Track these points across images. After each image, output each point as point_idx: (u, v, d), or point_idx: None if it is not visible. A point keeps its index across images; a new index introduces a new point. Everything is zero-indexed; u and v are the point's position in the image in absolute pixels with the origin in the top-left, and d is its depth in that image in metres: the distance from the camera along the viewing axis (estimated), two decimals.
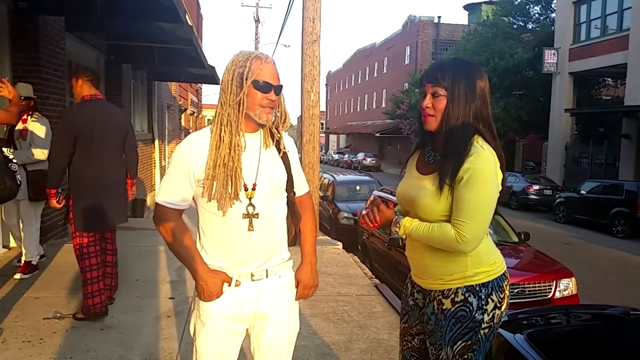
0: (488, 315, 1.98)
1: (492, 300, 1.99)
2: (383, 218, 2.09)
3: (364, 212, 2.17)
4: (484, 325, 1.98)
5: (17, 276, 4.91)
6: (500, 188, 1.96)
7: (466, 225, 1.87)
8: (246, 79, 1.82)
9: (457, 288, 1.99)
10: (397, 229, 2.04)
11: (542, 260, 6.00)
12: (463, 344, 1.97)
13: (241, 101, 1.84)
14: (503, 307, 2.02)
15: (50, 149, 4.01)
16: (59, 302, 4.37)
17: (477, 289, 1.98)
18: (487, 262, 2.02)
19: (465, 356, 1.99)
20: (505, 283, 2.05)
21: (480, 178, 1.88)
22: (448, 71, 1.98)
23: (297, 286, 2.09)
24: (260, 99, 1.85)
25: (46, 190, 3.98)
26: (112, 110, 4.24)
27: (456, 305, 1.98)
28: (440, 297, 2.02)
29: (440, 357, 2.02)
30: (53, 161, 3.93)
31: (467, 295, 1.97)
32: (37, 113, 4.90)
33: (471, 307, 1.97)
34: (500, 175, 1.96)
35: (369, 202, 8.41)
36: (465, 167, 1.88)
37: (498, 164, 1.95)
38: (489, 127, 2.00)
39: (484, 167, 1.89)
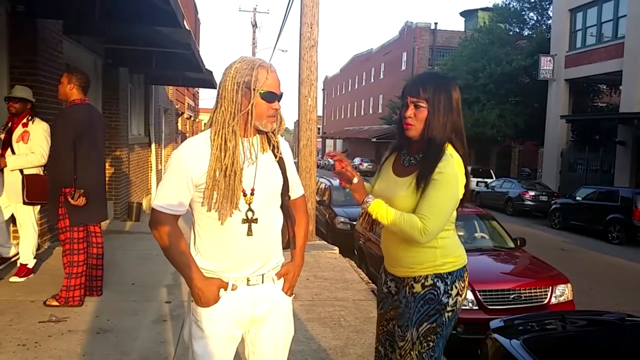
0: (452, 299, 2.23)
1: (456, 287, 2.24)
2: (358, 187, 2.26)
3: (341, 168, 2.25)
4: (448, 309, 2.21)
5: (13, 279, 4.90)
6: (463, 191, 2.21)
7: (430, 220, 2.10)
8: (254, 90, 1.83)
9: (427, 275, 2.23)
10: (366, 207, 2.21)
11: (538, 266, 6.00)
12: (428, 326, 2.19)
13: (249, 112, 1.85)
14: (463, 295, 2.29)
15: (59, 151, 4.21)
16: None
17: (444, 276, 2.23)
18: (452, 255, 2.27)
19: (429, 338, 2.20)
20: (466, 275, 2.31)
21: (446, 182, 2.12)
22: (429, 85, 2.20)
23: (280, 276, 2.05)
24: (266, 109, 1.87)
25: (62, 189, 4.17)
26: (99, 113, 4.73)
27: (425, 289, 2.22)
28: (412, 282, 2.26)
29: (406, 338, 2.22)
30: (63, 162, 4.15)
31: (435, 280, 2.22)
32: (36, 117, 4.85)
33: (439, 291, 2.21)
34: (463, 181, 2.20)
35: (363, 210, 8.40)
36: (436, 171, 2.11)
37: (463, 169, 2.20)
38: (460, 136, 2.25)
39: (451, 172, 2.13)
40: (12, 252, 5.09)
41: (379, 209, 2.18)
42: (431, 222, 2.09)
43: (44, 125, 4.81)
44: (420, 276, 2.23)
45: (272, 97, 1.87)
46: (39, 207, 5.04)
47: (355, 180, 2.24)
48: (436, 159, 2.13)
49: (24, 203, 4.77)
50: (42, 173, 4.83)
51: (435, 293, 2.20)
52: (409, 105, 2.21)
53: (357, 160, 39.07)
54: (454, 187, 2.14)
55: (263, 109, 1.86)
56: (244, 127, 1.88)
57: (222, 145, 1.84)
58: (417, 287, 2.23)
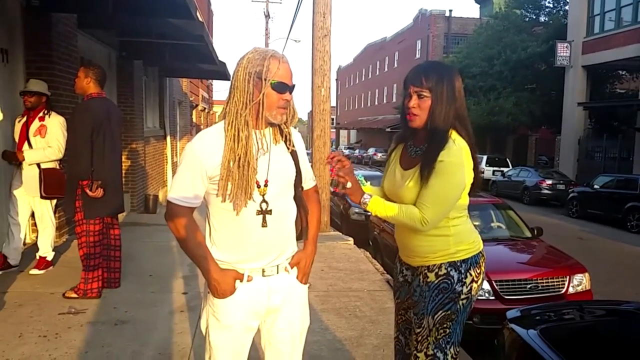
0: (466, 287, 2.22)
1: (470, 275, 2.23)
2: (354, 191, 2.24)
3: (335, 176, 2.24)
4: (462, 297, 2.22)
5: (33, 272, 4.98)
6: (472, 175, 2.19)
7: (428, 209, 2.12)
8: (265, 80, 1.83)
9: (441, 263, 2.23)
10: (365, 207, 2.23)
11: (555, 256, 5.95)
12: (443, 314, 2.20)
13: (260, 102, 1.84)
14: (479, 281, 2.27)
15: (77, 144, 4.24)
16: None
17: (458, 264, 2.22)
18: (467, 241, 2.25)
19: (445, 325, 2.21)
20: (482, 260, 2.29)
21: (448, 170, 2.10)
22: (431, 74, 2.17)
23: (293, 265, 2.06)
24: (276, 100, 1.86)
25: (79, 182, 4.20)
26: (115, 107, 4.82)
27: (439, 278, 2.22)
28: (426, 271, 2.26)
29: (422, 325, 2.23)
30: (80, 155, 4.19)
31: (449, 269, 2.22)
32: (53, 111, 4.89)
33: (452, 280, 2.21)
34: (470, 166, 2.18)
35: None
36: (438, 160, 2.11)
37: (470, 154, 2.17)
38: (464, 123, 2.22)
39: (453, 160, 2.11)
40: (17, 261, 5.07)
41: (377, 206, 2.20)
42: (430, 211, 2.11)
43: (60, 119, 4.85)
44: (434, 265, 2.23)
45: (283, 87, 1.86)
46: (55, 200, 5.09)
47: (348, 185, 2.22)
48: (438, 148, 2.12)
49: (42, 197, 4.81)
50: (58, 167, 4.88)
51: (449, 282, 2.20)
52: (412, 95, 2.19)
53: (371, 150, 38.98)
54: (456, 174, 2.12)
55: (274, 100, 1.86)
56: (256, 118, 1.88)
57: (235, 136, 1.84)
58: (431, 277, 2.23)
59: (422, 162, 2.16)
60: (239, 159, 1.84)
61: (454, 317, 2.21)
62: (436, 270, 2.23)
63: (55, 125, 4.79)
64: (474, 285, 2.24)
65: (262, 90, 1.84)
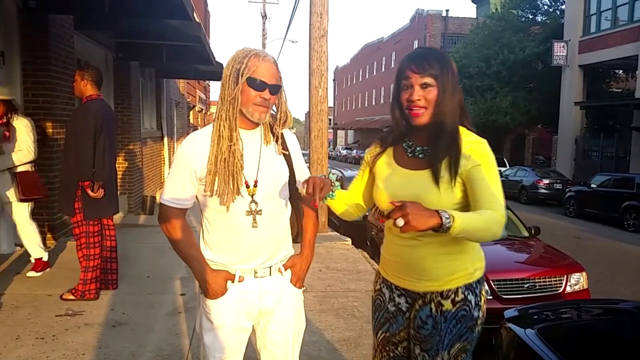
0: (481, 311, 1.95)
1: (483, 295, 1.96)
2: (422, 217, 1.57)
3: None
4: (478, 322, 1.95)
5: (30, 274, 4.97)
6: None
7: (501, 206, 1.76)
8: (241, 76, 1.82)
9: (458, 287, 1.91)
10: (449, 226, 1.59)
11: (553, 255, 5.95)
12: (460, 346, 1.92)
13: (236, 97, 1.84)
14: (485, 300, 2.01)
15: (79, 145, 4.24)
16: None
17: (474, 285, 1.93)
18: (479, 257, 1.99)
19: (459, 358, 1.94)
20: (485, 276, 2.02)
21: (492, 164, 1.83)
22: (434, 60, 1.85)
23: (287, 267, 2.05)
24: (253, 96, 1.84)
25: (80, 183, 4.20)
26: (110, 108, 4.84)
27: (457, 306, 1.91)
28: (439, 298, 1.92)
29: None
30: (84, 155, 4.18)
31: (466, 293, 1.91)
32: (17, 114, 4.84)
33: (470, 305, 1.91)
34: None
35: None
36: (473, 157, 1.80)
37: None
38: (467, 115, 1.93)
39: (489, 151, 1.85)
40: (46, 254, 5.10)
41: (465, 221, 1.62)
42: (502, 208, 1.75)
43: (25, 121, 4.84)
44: (449, 290, 1.90)
45: (260, 85, 1.83)
46: (33, 203, 5.04)
47: (400, 222, 1.55)
48: (455, 145, 1.83)
49: (21, 200, 4.80)
50: (32, 169, 4.88)
51: (467, 309, 1.90)
52: (413, 86, 1.84)
53: None
54: (494, 160, 1.84)
55: (249, 96, 1.83)
56: (234, 114, 1.86)
57: (221, 133, 1.85)
58: (447, 305, 1.91)
59: (434, 163, 1.84)
60: (224, 154, 1.84)
61: (469, 347, 1.93)
62: (452, 296, 1.90)
63: (21, 129, 4.78)
64: (485, 306, 1.96)
65: (238, 86, 1.83)
